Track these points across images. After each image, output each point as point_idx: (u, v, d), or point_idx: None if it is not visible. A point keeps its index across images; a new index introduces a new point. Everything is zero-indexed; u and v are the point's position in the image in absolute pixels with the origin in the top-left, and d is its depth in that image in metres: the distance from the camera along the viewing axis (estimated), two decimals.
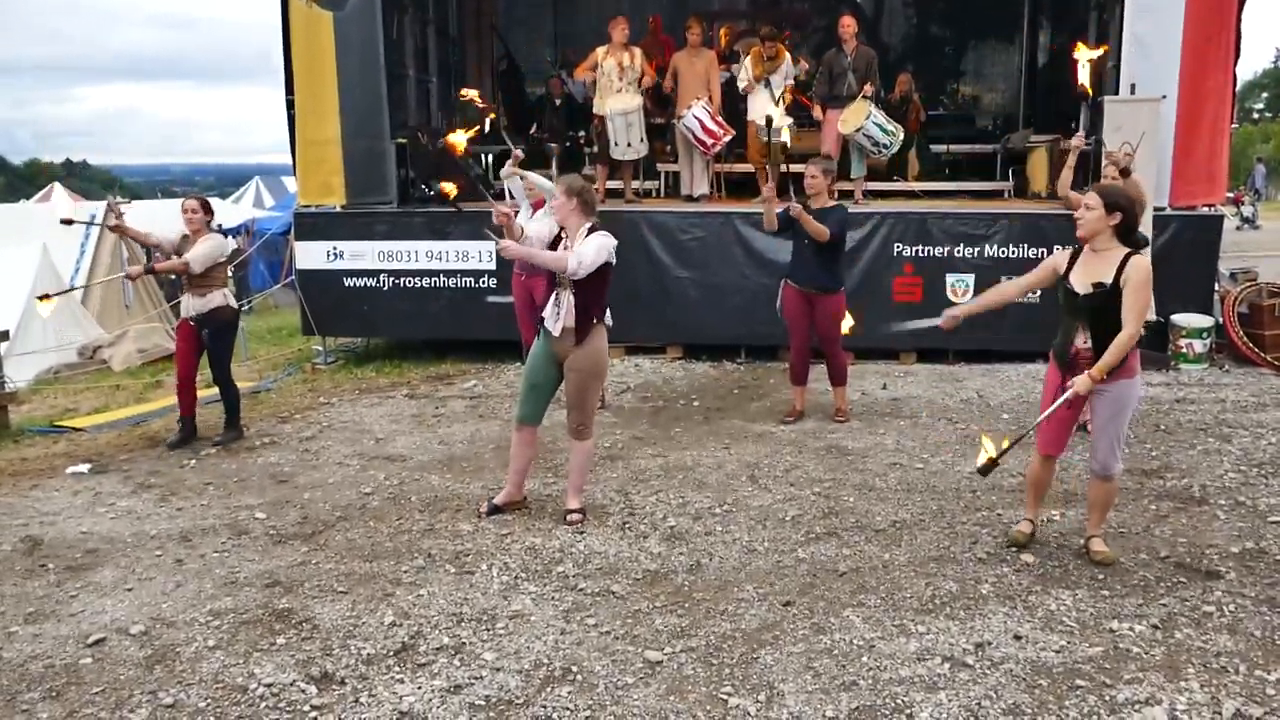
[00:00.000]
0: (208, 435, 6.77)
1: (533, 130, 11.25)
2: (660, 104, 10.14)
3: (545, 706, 3.36)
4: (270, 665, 3.66)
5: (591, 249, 4.68)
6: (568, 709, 3.34)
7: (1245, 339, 8.45)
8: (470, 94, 7.12)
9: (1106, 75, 8.53)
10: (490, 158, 11.86)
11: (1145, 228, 7.38)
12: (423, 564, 4.55)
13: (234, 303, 6.76)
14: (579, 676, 3.55)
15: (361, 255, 9.22)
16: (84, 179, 55.45)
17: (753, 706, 3.34)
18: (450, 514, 5.21)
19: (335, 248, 9.27)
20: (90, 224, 6.91)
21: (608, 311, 4.93)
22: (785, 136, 7.65)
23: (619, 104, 9.06)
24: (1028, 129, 11.18)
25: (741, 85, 9.29)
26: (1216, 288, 8.73)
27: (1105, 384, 4.13)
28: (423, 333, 9.56)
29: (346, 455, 6.37)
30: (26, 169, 65.02)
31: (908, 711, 3.29)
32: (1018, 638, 3.75)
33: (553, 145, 10.60)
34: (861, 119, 8.86)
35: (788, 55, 9.33)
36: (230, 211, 20.00)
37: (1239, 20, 8.38)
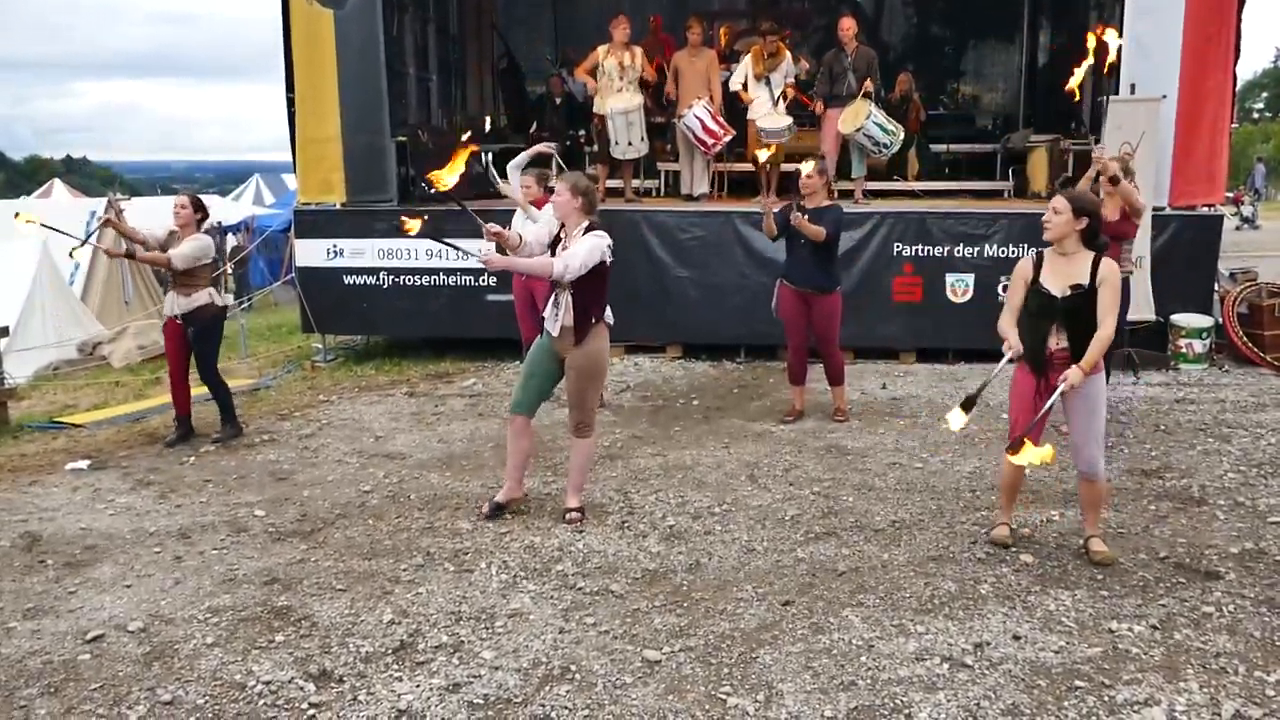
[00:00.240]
0: (206, 433, 6.76)
1: (533, 129, 11.24)
2: (660, 103, 10.14)
3: (544, 705, 3.36)
4: (269, 663, 3.66)
5: (582, 251, 4.68)
6: (566, 708, 3.34)
7: (1245, 339, 8.45)
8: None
9: (1107, 75, 8.52)
10: (490, 156, 11.85)
11: (1144, 229, 7.38)
12: (421, 562, 4.55)
13: (220, 301, 6.70)
14: (577, 675, 3.55)
15: (361, 253, 9.22)
16: (84, 175, 55.43)
17: (751, 706, 3.34)
18: (449, 512, 5.21)
19: (335, 245, 9.27)
20: (69, 235, 6.88)
21: (608, 310, 4.93)
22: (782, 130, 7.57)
23: (619, 103, 9.05)
24: (1028, 129, 11.17)
25: (734, 88, 9.27)
26: (1216, 288, 8.73)
27: (1078, 385, 4.20)
28: (422, 331, 9.56)
29: (346, 453, 6.36)
30: (27, 165, 64.97)
31: (906, 711, 3.29)
32: (1017, 638, 3.75)
33: (553, 144, 10.59)
34: (861, 119, 8.85)
35: (788, 53, 9.32)
36: (230, 209, 20.00)
37: (1239, 20, 8.37)
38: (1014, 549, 4.56)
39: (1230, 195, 19.80)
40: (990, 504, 5.16)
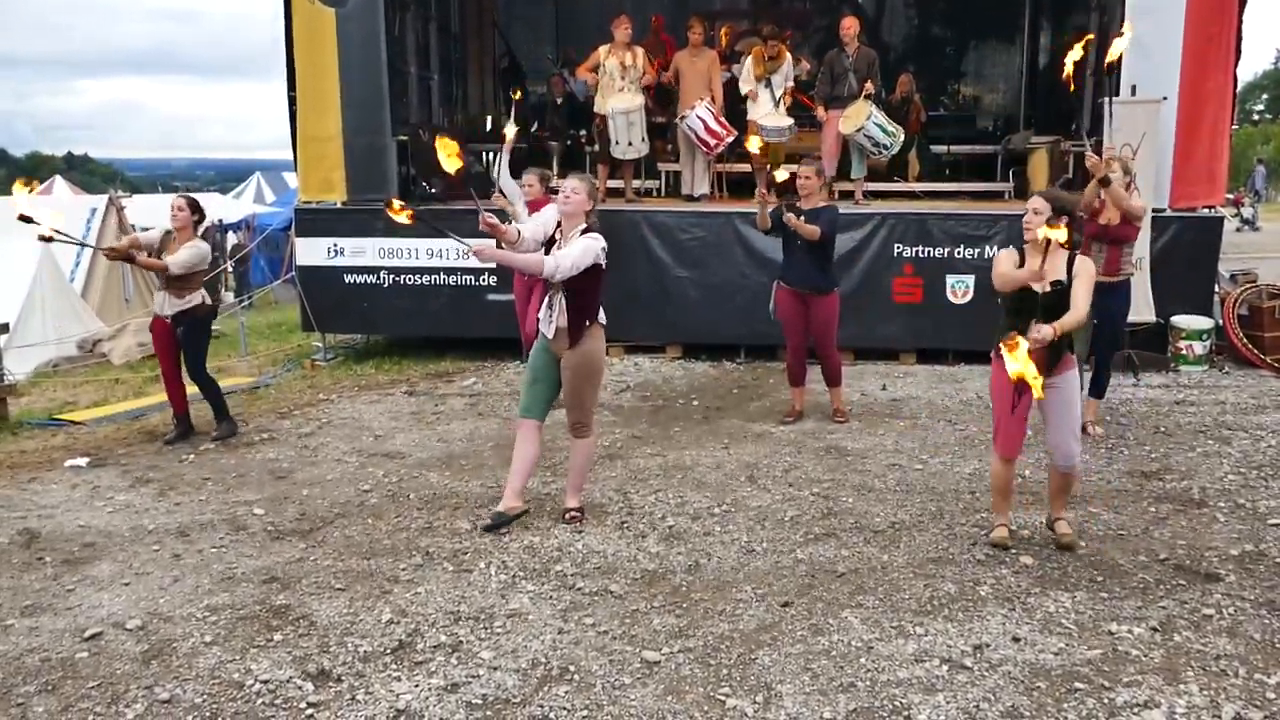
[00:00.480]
0: (206, 431, 6.76)
1: (534, 128, 11.24)
2: (661, 103, 10.13)
3: (542, 706, 3.36)
4: (267, 662, 3.66)
5: (575, 252, 4.66)
6: (565, 709, 3.34)
7: (1245, 341, 8.45)
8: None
9: (1107, 73, 8.51)
10: (490, 155, 11.85)
11: (1144, 230, 7.37)
12: (421, 562, 4.54)
13: (209, 300, 6.72)
14: (576, 676, 3.54)
15: (362, 252, 9.21)
16: (85, 173, 55.43)
17: (750, 707, 3.33)
18: (449, 512, 5.20)
19: (336, 244, 9.26)
20: (73, 242, 6.87)
21: (600, 311, 4.91)
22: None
23: (620, 103, 9.05)
24: (1028, 130, 11.17)
25: (744, 89, 9.27)
26: (1216, 289, 8.72)
27: (1054, 379, 4.34)
28: (423, 330, 9.55)
29: (345, 452, 6.36)
30: (28, 162, 64.95)
31: (906, 713, 3.29)
32: (1016, 640, 3.74)
33: (554, 143, 10.59)
34: (862, 119, 8.85)
35: (789, 55, 9.32)
36: (231, 207, 19.99)
37: (1240, 21, 8.37)
38: (1013, 550, 4.55)
39: (1230, 197, 19.78)
40: (990, 505, 5.14)
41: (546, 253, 4.76)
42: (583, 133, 10.61)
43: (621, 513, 5.14)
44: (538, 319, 4.94)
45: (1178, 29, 8.15)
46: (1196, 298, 8.44)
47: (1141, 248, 7.47)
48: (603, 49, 9.16)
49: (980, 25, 13.05)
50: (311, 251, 9.37)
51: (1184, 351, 8.34)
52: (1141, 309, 7.76)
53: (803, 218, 6.39)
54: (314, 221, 9.43)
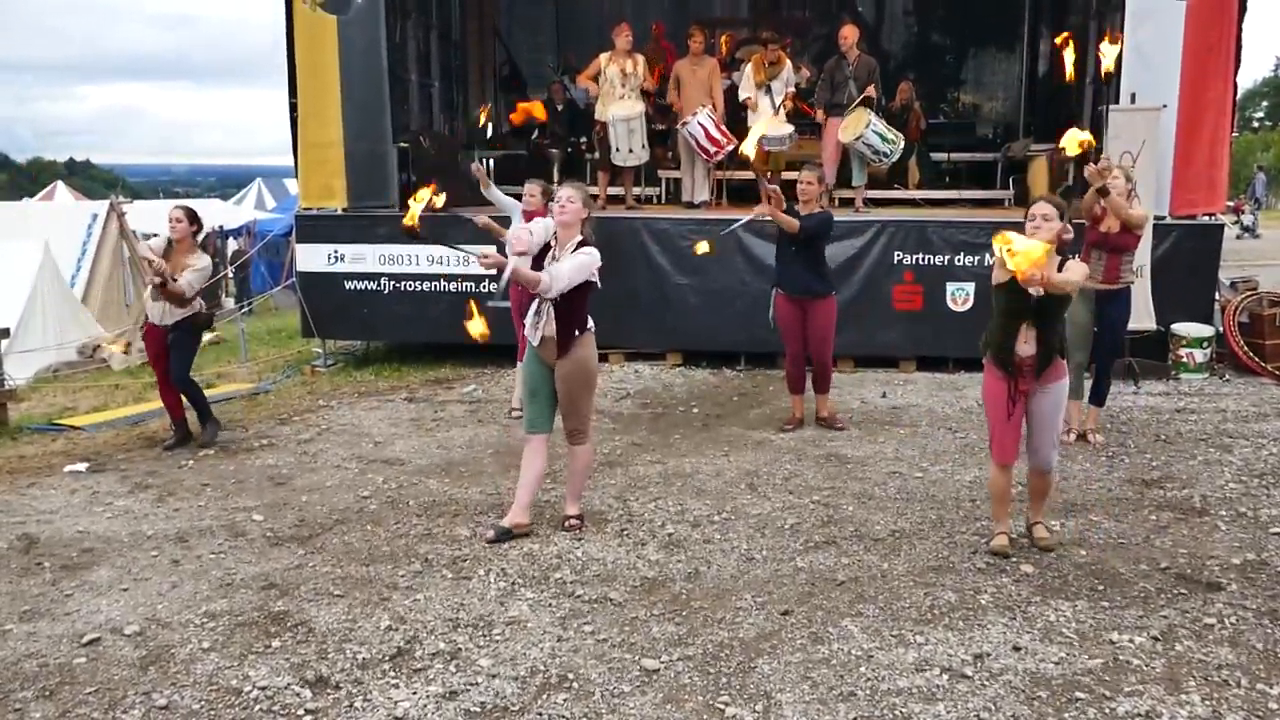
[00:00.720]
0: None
1: (534, 135, 11.25)
2: (662, 111, 10.15)
3: (541, 714, 3.34)
4: (265, 668, 3.65)
5: (570, 268, 4.66)
6: (564, 716, 3.33)
7: (1246, 348, 8.45)
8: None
9: (1105, 83, 8.52)
10: (491, 162, 11.86)
11: (1145, 238, 7.37)
12: (420, 568, 4.53)
13: (205, 309, 6.73)
14: (575, 684, 3.53)
15: (362, 258, 9.22)
16: (86, 178, 55.52)
17: (750, 716, 3.32)
18: (448, 519, 5.19)
19: (336, 250, 9.26)
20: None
21: (589, 318, 4.89)
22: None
23: (621, 110, 9.07)
24: (1028, 138, 11.18)
25: (744, 97, 9.29)
26: (1217, 297, 8.72)
27: (1046, 384, 4.40)
28: (422, 336, 9.55)
29: (345, 458, 6.35)
30: (30, 167, 65.03)
31: None
32: (1017, 649, 3.73)
33: (554, 151, 10.60)
34: (861, 127, 8.86)
35: (789, 62, 9.34)
36: (232, 213, 20.01)
37: (1239, 29, 8.38)
38: (1014, 559, 4.54)
39: (1231, 204, 19.79)
40: (991, 513, 5.14)
41: (542, 262, 4.74)
42: (583, 140, 10.62)
43: (621, 520, 5.13)
44: (524, 323, 4.91)
45: (1177, 37, 8.17)
46: (1197, 305, 8.44)
47: (1142, 255, 7.47)
48: (603, 56, 9.18)
49: (980, 33, 13.09)
50: (312, 258, 9.37)
51: (1184, 359, 8.33)
52: (1142, 317, 7.76)
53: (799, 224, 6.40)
54: (315, 228, 9.43)
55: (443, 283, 9.13)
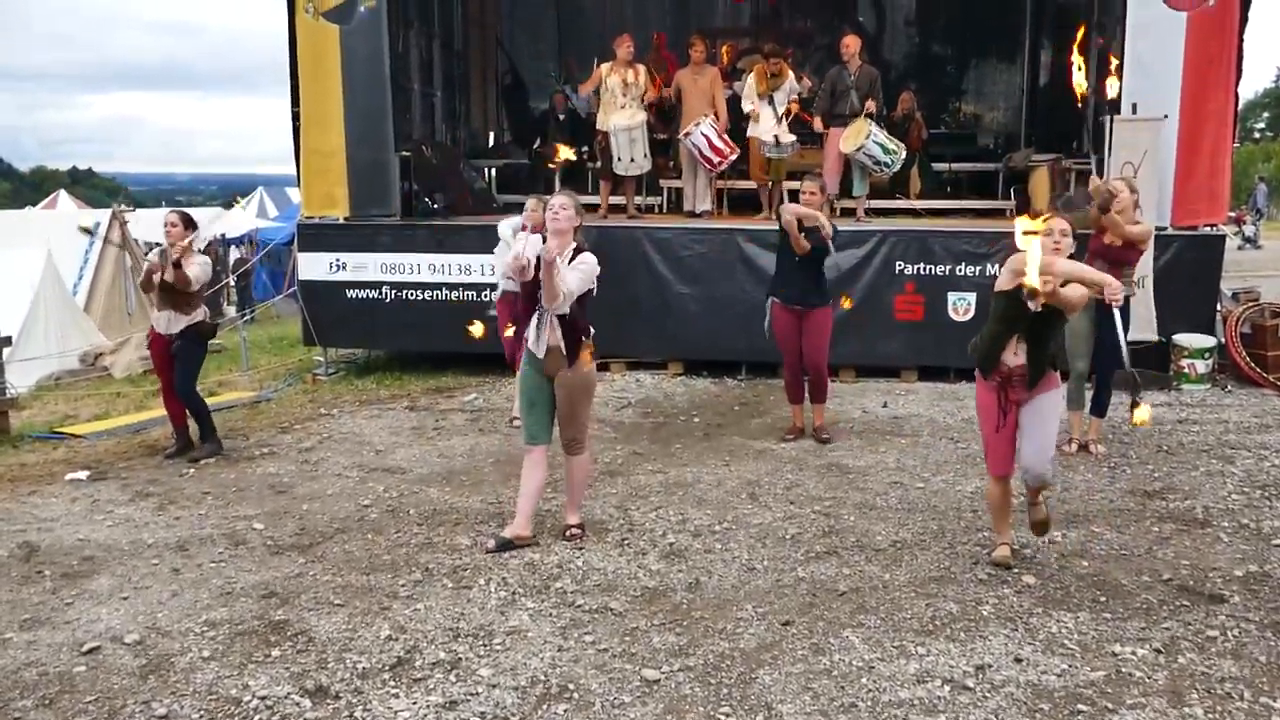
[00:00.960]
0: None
1: (536, 145, 11.28)
2: (663, 120, 10.17)
3: None
4: (265, 677, 3.64)
5: (576, 279, 4.68)
6: None
7: (1248, 359, 8.44)
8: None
9: (1106, 93, 8.55)
10: (494, 171, 11.89)
11: (1148, 251, 7.37)
12: (420, 578, 4.53)
13: (209, 318, 6.73)
14: (576, 694, 3.52)
15: (364, 267, 9.23)
16: (90, 187, 55.63)
17: None
18: (448, 528, 5.18)
19: (338, 259, 9.27)
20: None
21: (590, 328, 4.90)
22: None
23: (622, 120, 9.09)
24: (1029, 148, 11.20)
25: (747, 108, 9.30)
26: (1219, 308, 8.72)
27: (1036, 395, 4.36)
28: (424, 345, 9.55)
29: (345, 467, 6.35)
30: (33, 176, 65.21)
31: None
32: (1019, 660, 3.72)
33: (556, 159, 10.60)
34: (862, 138, 8.88)
35: (790, 72, 9.36)
36: (234, 221, 20.01)
37: (1240, 40, 8.39)
38: (1016, 570, 4.53)
39: (1232, 215, 19.80)
40: (992, 524, 5.13)
41: (536, 271, 4.74)
42: (585, 149, 10.64)
43: (622, 530, 5.12)
44: (524, 338, 4.88)
45: (1178, 48, 8.18)
46: (1199, 316, 8.44)
47: (1144, 266, 7.47)
48: (604, 66, 9.21)
49: (981, 43, 13.12)
50: (314, 266, 9.38)
51: (1186, 370, 8.32)
52: (1144, 327, 7.75)
53: (804, 235, 6.40)
54: (316, 236, 9.45)
55: (444, 291, 9.14)
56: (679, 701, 3.48)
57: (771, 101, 9.17)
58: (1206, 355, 8.33)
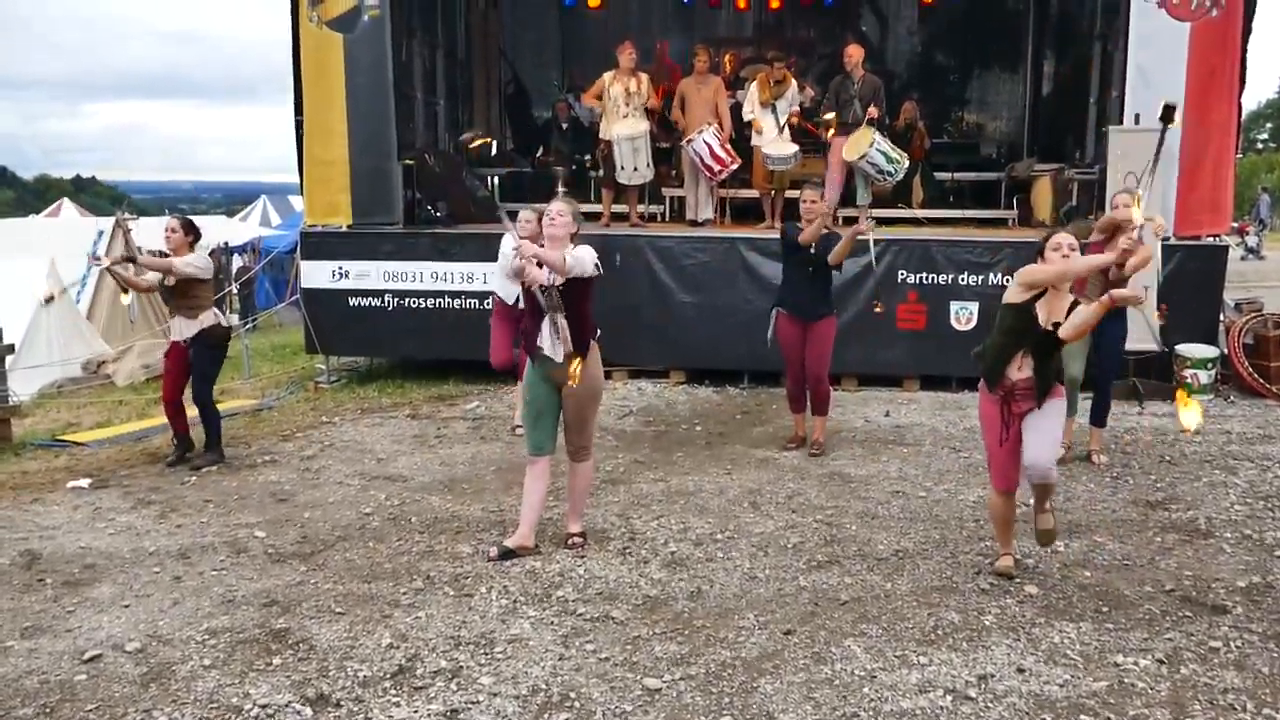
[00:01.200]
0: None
1: (539, 153, 11.30)
2: (666, 129, 10.19)
3: None
4: (266, 686, 3.63)
5: (585, 252, 4.70)
6: None
7: (1250, 370, 8.42)
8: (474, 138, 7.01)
9: (1110, 105, 8.57)
10: (496, 179, 11.91)
11: (1155, 261, 7.35)
12: (421, 586, 4.52)
13: (225, 322, 6.71)
14: (577, 703, 3.51)
15: (366, 275, 9.24)
16: (93, 195, 55.75)
17: None
18: (450, 536, 5.18)
19: (341, 267, 9.28)
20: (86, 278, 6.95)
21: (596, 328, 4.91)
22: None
23: (625, 128, 9.10)
24: (1032, 158, 11.21)
25: (748, 116, 9.32)
26: (1221, 318, 8.71)
27: (1046, 399, 4.36)
28: (426, 353, 9.55)
29: (347, 475, 6.35)
30: (37, 184, 65.38)
31: None
32: (1021, 670, 3.71)
33: (558, 168, 10.64)
34: (865, 146, 8.89)
35: (793, 81, 9.38)
36: (237, 229, 20.06)
37: (1243, 52, 8.41)
38: (1019, 580, 4.52)
39: (1235, 226, 19.80)
40: (994, 533, 5.12)
41: (524, 290, 4.77)
42: (587, 157, 10.67)
43: (624, 538, 5.12)
44: (537, 347, 4.87)
45: (1181, 59, 8.20)
46: (1201, 326, 8.42)
47: (1147, 276, 7.46)
48: (607, 75, 9.22)
49: (984, 53, 13.15)
50: (316, 274, 9.39)
51: (1189, 380, 8.31)
52: (1146, 338, 7.74)
53: (813, 250, 6.41)
54: (319, 244, 9.46)
55: (446, 299, 9.15)
56: (680, 710, 3.47)
57: (774, 110, 9.19)
58: (1209, 366, 8.31)
